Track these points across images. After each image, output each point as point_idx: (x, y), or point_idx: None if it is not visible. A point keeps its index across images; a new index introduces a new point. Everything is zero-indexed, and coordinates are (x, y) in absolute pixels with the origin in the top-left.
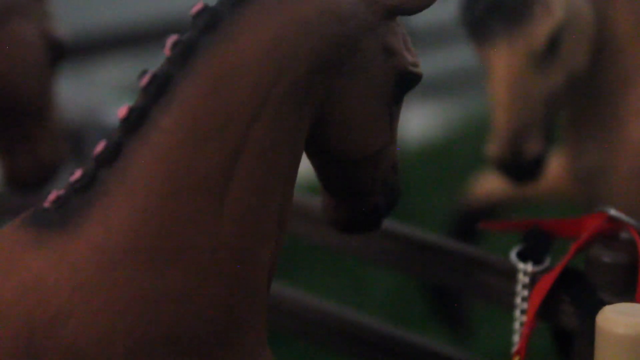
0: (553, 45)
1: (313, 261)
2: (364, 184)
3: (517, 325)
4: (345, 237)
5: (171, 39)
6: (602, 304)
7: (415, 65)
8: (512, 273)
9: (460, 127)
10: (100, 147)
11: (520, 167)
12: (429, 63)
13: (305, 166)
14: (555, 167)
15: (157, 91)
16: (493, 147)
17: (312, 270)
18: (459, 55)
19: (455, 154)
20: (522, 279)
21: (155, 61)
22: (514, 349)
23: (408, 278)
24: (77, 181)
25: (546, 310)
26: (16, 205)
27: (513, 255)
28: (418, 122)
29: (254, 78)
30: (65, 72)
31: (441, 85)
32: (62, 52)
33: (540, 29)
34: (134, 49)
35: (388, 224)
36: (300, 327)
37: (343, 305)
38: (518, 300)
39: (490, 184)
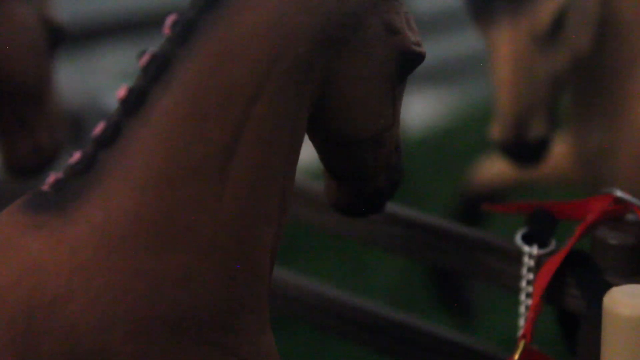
0: (557, 25)
1: (316, 246)
2: (367, 165)
3: (522, 309)
4: (349, 222)
5: (171, 18)
6: (609, 286)
7: (418, 44)
8: (517, 256)
9: (462, 114)
10: (99, 128)
11: (524, 150)
12: (431, 50)
13: (307, 152)
14: (560, 149)
15: (156, 71)
16: (496, 130)
17: (314, 255)
18: (460, 42)
19: (458, 140)
20: (528, 262)
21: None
22: (520, 332)
23: (412, 262)
24: (76, 163)
25: (552, 293)
26: (15, 191)
27: (518, 238)
28: (420, 108)
29: (254, 57)
30: (64, 58)
31: (443, 72)
32: (61, 37)
33: (545, 9)
34: (134, 35)
35: (391, 207)
36: (302, 312)
37: (346, 289)
38: (523, 283)
39: (494, 167)
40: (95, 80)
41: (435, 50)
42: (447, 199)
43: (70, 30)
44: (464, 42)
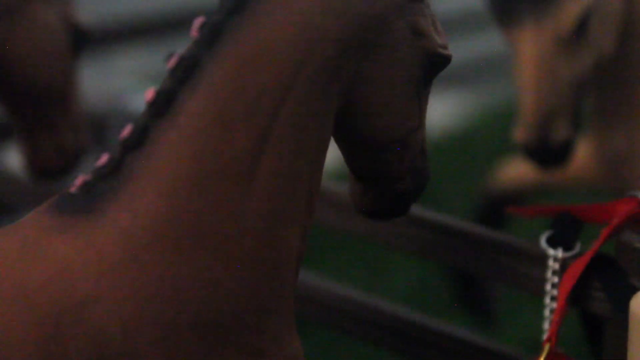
0: (581, 28)
1: (338, 248)
2: (392, 168)
3: (547, 312)
4: (371, 224)
5: (198, 21)
6: (634, 289)
7: (444, 47)
8: (541, 259)
9: (482, 116)
10: (126, 131)
11: (548, 152)
12: (451, 51)
13: (332, 154)
14: (583, 152)
15: (184, 74)
16: (520, 132)
17: (337, 257)
18: (481, 44)
19: (478, 142)
20: (552, 265)
21: (177, 49)
22: (545, 336)
23: (434, 265)
24: (103, 166)
25: (577, 297)
26: (38, 193)
27: (543, 241)
28: (441, 110)
29: (282, 60)
30: (86, 59)
31: (463, 74)
32: (84, 39)
33: (569, 12)
34: (155, 37)
35: (414, 210)
36: (324, 314)
37: (368, 292)
38: (548, 286)
39: (517, 170)
40: (117, 82)
41: (456, 51)
42: (467, 201)
43: (93, 32)
44: (484, 43)
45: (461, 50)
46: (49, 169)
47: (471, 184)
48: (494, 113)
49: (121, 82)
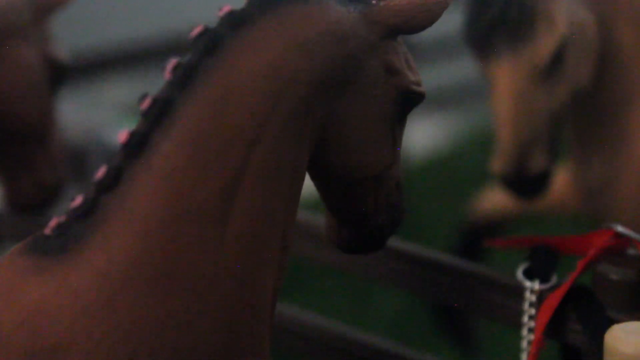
0: (557, 60)
1: (317, 280)
2: (367, 204)
3: (524, 344)
4: (350, 256)
5: (172, 63)
6: (610, 322)
7: (418, 84)
8: (518, 291)
9: (464, 140)
10: (100, 172)
11: (525, 183)
12: (433, 76)
13: (310, 183)
14: (561, 182)
15: (157, 115)
16: (497, 163)
17: (316, 289)
18: (463, 68)
19: (460, 167)
20: (529, 297)
21: (159, 80)
22: None
23: (414, 296)
24: (77, 207)
25: (554, 329)
26: (18, 228)
27: (519, 273)
28: (422, 135)
29: (255, 101)
30: (68, 92)
31: (445, 98)
32: (63, 74)
33: (544, 45)
34: (137, 68)
35: (393, 242)
36: (305, 347)
37: (349, 324)
38: (525, 318)
39: (495, 200)
40: (99, 114)
41: (437, 76)
42: (448, 226)
43: (73, 67)
44: (465, 68)
45: (442, 74)
46: (28, 204)
47: (453, 207)
48: (475, 137)
49: (102, 114)
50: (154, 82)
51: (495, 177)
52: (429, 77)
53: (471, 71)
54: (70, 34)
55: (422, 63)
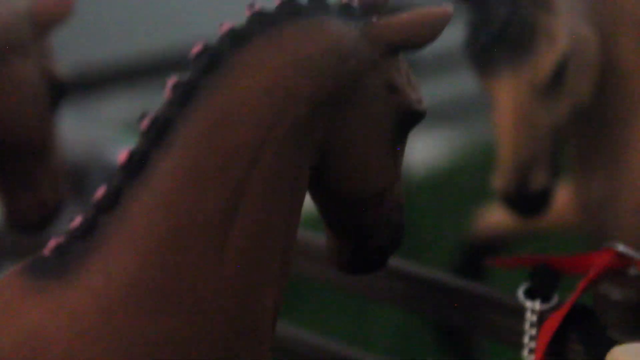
0: (558, 76)
1: (317, 299)
2: (368, 223)
3: None
4: (350, 276)
5: (171, 81)
6: (612, 342)
7: (419, 102)
8: (519, 311)
9: (465, 156)
10: (100, 192)
11: (526, 201)
12: (434, 91)
13: (310, 201)
14: (563, 199)
15: (157, 134)
16: (498, 180)
17: (315, 308)
18: (464, 83)
19: (461, 183)
20: (530, 317)
21: (159, 96)
22: None
23: (414, 316)
24: (76, 228)
25: (555, 349)
26: (17, 246)
27: (520, 293)
28: (423, 151)
29: (255, 119)
30: (69, 109)
31: (446, 114)
32: (63, 91)
33: (545, 60)
34: (138, 85)
35: (393, 261)
36: None
37: (348, 343)
38: (526, 339)
39: (496, 217)
40: (99, 131)
41: (437, 91)
42: (449, 242)
43: (73, 83)
44: (466, 83)
45: (444, 88)
46: (27, 222)
47: (454, 222)
48: (477, 152)
49: (104, 131)
50: (155, 98)
51: (496, 195)
52: (430, 93)
53: (472, 86)
54: (71, 51)
55: (423, 78)
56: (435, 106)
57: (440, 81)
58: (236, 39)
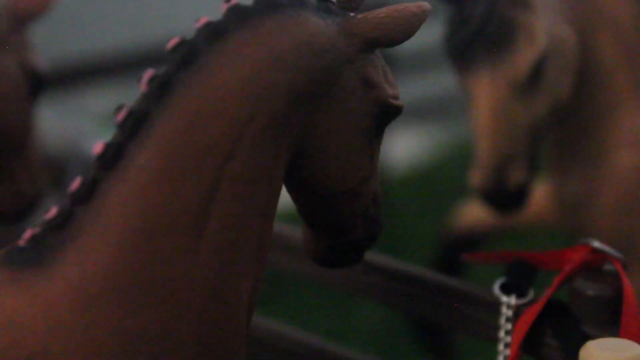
0: (536, 74)
1: (296, 293)
2: (345, 217)
3: (501, 359)
4: (329, 270)
5: (147, 74)
6: (586, 337)
7: (396, 97)
8: (495, 306)
9: (446, 153)
10: (75, 184)
11: (504, 197)
12: (414, 88)
13: (287, 195)
14: (540, 196)
15: (133, 127)
16: (476, 177)
17: (295, 303)
18: (444, 80)
19: (441, 180)
20: (506, 312)
21: (139, 90)
22: None
23: (392, 310)
24: (52, 219)
25: (530, 344)
26: None
27: (496, 288)
28: (403, 148)
29: (231, 113)
30: (48, 102)
31: (427, 111)
32: (42, 84)
33: (523, 58)
34: (118, 78)
35: (372, 256)
36: (284, 359)
37: (327, 338)
38: (502, 333)
39: (474, 214)
40: (79, 124)
41: (417, 89)
42: (429, 239)
43: (53, 76)
44: (446, 80)
45: (424, 85)
46: (6, 214)
47: (435, 218)
48: (458, 148)
49: (84, 125)
50: (135, 92)
51: (474, 191)
52: (409, 90)
53: (451, 84)
54: (51, 44)
55: (402, 75)
56: (416, 103)
57: (421, 79)
58: (212, 33)
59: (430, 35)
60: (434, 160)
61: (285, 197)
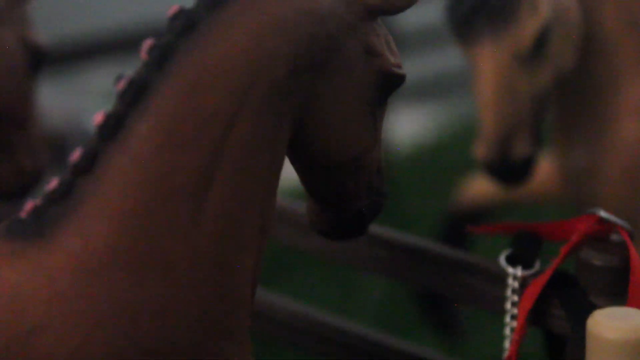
0: (540, 44)
1: (301, 268)
2: (348, 188)
3: (507, 331)
4: (334, 244)
5: (147, 43)
6: (593, 307)
7: (398, 66)
8: (501, 278)
9: (450, 130)
10: (76, 155)
11: (509, 169)
12: (419, 66)
13: (292, 171)
14: (545, 168)
15: (133, 97)
16: (481, 149)
17: (300, 277)
18: (448, 58)
19: (446, 156)
20: (512, 283)
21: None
22: (505, 354)
23: (398, 284)
24: (53, 190)
25: (537, 315)
26: None
27: (502, 260)
28: (408, 125)
29: (232, 81)
30: (49, 78)
31: (431, 88)
32: (42, 59)
33: (527, 29)
34: (119, 55)
35: (377, 229)
36: (288, 335)
37: (332, 312)
38: (508, 305)
39: (479, 187)
40: (80, 101)
41: (423, 66)
42: (434, 215)
43: (53, 52)
44: (452, 57)
45: (428, 64)
46: (7, 191)
47: (440, 197)
48: (462, 127)
49: (83, 101)
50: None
51: (478, 164)
52: (414, 67)
53: (456, 60)
54: (52, 21)
55: (407, 53)
56: (420, 81)
57: (426, 56)
58: (212, 1)
59: (434, 12)
60: (438, 138)
61: (290, 173)
